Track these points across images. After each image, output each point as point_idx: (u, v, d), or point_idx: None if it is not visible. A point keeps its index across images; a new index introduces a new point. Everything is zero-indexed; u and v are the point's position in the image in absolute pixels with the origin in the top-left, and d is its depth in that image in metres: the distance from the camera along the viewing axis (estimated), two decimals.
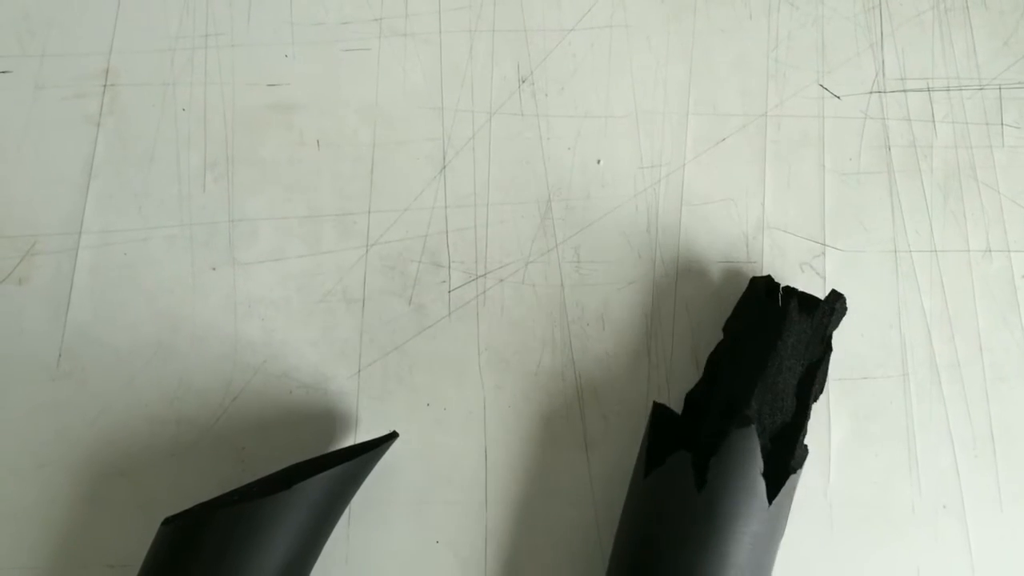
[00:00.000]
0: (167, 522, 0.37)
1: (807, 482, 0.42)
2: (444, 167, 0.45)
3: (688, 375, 0.43)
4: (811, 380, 0.40)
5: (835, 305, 0.41)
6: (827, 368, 0.41)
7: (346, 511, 0.41)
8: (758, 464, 0.36)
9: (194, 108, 0.45)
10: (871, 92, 0.46)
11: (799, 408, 0.39)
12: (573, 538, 0.42)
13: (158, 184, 0.44)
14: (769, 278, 0.42)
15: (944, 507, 0.42)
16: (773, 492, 0.36)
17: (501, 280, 0.44)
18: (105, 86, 0.45)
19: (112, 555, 0.41)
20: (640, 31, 0.47)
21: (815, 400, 0.40)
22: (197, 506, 0.38)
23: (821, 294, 0.44)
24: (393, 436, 0.40)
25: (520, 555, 0.42)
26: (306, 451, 0.41)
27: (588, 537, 0.42)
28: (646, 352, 0.43)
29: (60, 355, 0.42)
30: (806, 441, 0.39)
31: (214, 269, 0.44)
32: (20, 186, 0.44)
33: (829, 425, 0.43)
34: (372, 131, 0.45)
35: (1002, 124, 0.46)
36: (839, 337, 0.43)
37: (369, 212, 0.44)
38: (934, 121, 0.46)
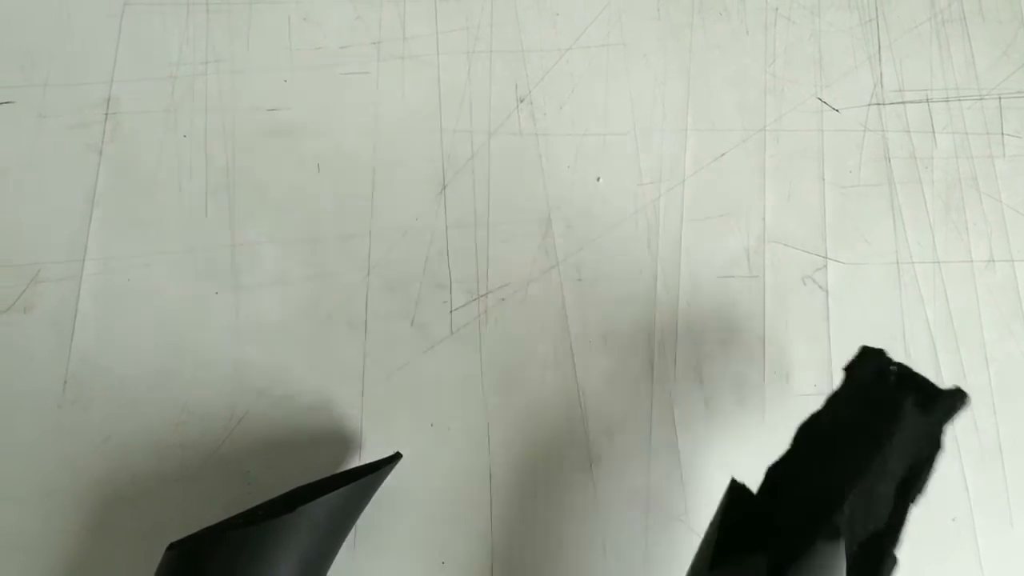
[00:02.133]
0: (172, 547, 0.37)
1: None
2: (444, 188, 0.45)
3: (692, 391, 0.43)
4: (914, 481, 0.34)
5: (956, 403, 0.35)
6: (932, 468, 0.35)
7: (351, 533, 0.41)
8: None
9: (195, 134, 0.45)
10: (870, 104, 0.46)
11: (895, 514, 0.34)
12: (580, 557, 0.42)
13: (160, 210, 0.44)
14: (881, 353, 0.36)
15: (953, 520, 0.42)
16: None
17: (503, 299, 0.44)
18: (107, 114, 0.45)
19: None
20: (637, 49, 0.47)
21: (913, 503, 0.34)
22: (202, 531, 0.38)
23: (823, 308, 0.44)
24: (397, 457, 0.40)
25: (527, 575, 0.41)
26: (311, 473, 0.41)
27: (595, 556, 0.41)
28: (649, 368, 0.43)
29: (65, 382, 0.43)
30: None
31: (217, 294, 0.44)
32: (24, 215, 0.44)
33: None
34: (372, 153, 0.45)
35: (1003, 134, 0.46)
36: (843, 349, 0.43)
37: (370, 234, 0.44)
38: (934, 132, 0.46)
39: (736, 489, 0.35)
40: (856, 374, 0.36)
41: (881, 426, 0.34)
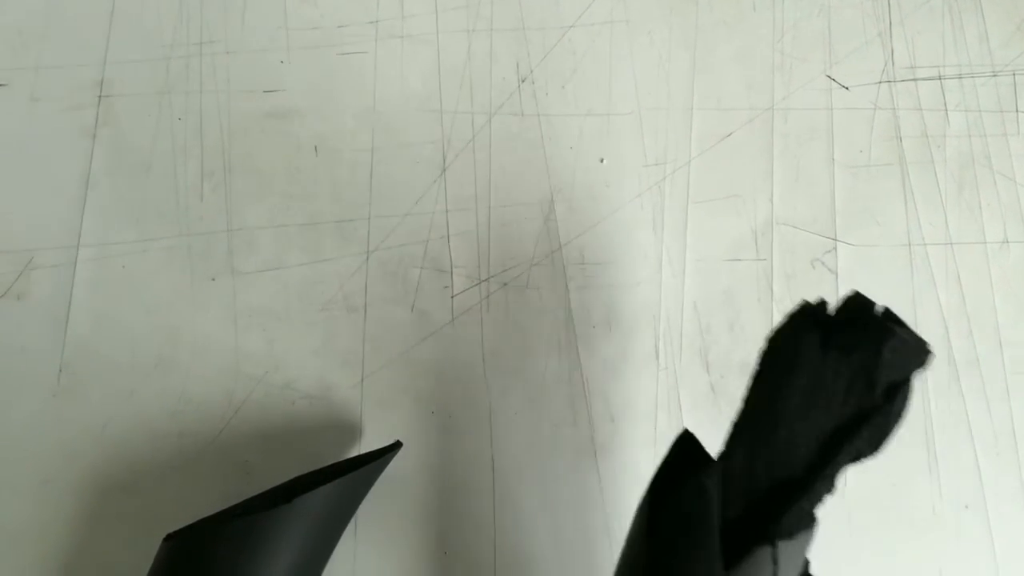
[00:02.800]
0: (169, 538, 0.36)
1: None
2: (444, 170, 0.44)
3: (698, 376, 0.42)
4: (850, 434, 0.30)
5: (882, 345, 0.30)
6: (886, 423, 0.30)
7: (352, 523, 0.40)
8: (711, 521, 0.29)
9: (190, 117, 0.44)
10: (881, 82, 0.45)
11: (816, 464, 0.30)
12: (584, 545, 0.41)
13: (155, 195, 0.44)
14: (822, 305, 0.32)
15: (966, 507, 0.41)
16: (734, 560, 0.28)
17: (505, 284, 0.43)
18: (100, 97, 0.44)
19: (116, 572, 0.40)
20: (641, 26, 0.46)
21: (855, 459, 0.30)
22: (199, 521, 0.38)
23: (833, 292, 0.43)
24: (397, 446, 0.39)
25: (530, 564, 0.41)
26: (310, 462, 0.41)
27: (599, 543, 0.41)
28: (654, 354, 0.43)
29: (60, 370, 0.42)
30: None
31: (213, 279, 0.43)
32: (17, 200, 0.43)
33: None
34: (370, 135, 0.44)
35: (1017, 111, 0.45)
36: None
37: (369, 218, 0.44)
38: (946, 110, 0.45)
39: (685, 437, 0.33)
40: (783, 325, 0.32)
41: (782, 369, 0.30)
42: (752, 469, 0.30)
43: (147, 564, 0.37)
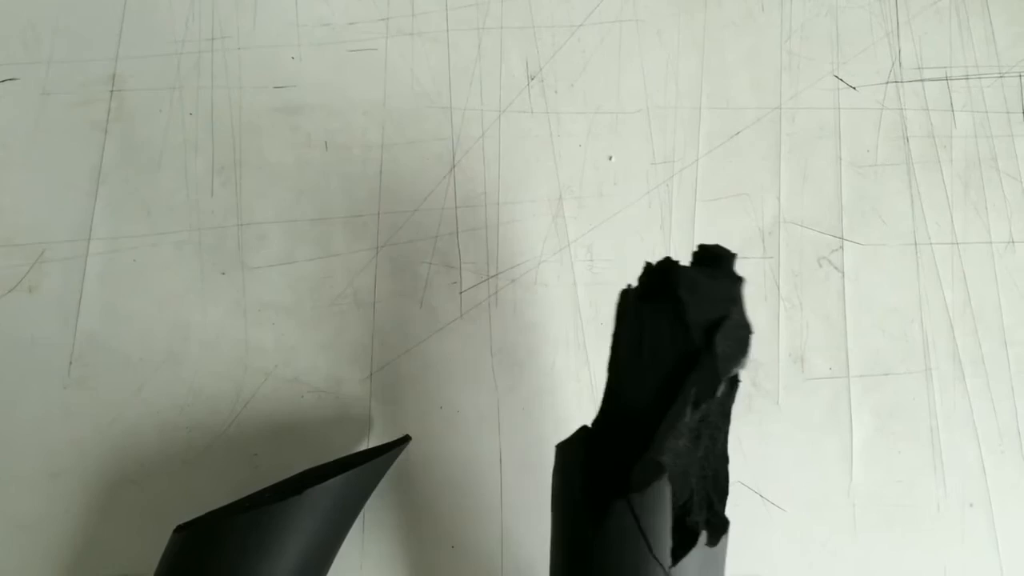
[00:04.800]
0: (179, 530, 0.37)
1: (830, 483, 0.41)
2: (453, 167, 0.44)
3: None
4: (678, 381, 0.30)
5: (678, 287, 0.31)
6: (712, 366, 0.30)
7: (360, 516, 0.40)
8: (577, 477, 0.31)
9: (201, 112, 0.45)
10: (888, 82, 0.45)
11: (655, 417, 0.30)
12: None
13: (166, 189, 0.44)
14: (667, 262, 0.32)
15: (970, 505, 0.41)
16: (600, 515, 0.29)
17: (513, 280, 0.43)
18: (112, 91, 0.45)
19: (125, 564, 0.40)
20: (650, 25, 0.46)
21: (696, 403, 0.30)
22: (209, 513, 0.38)
23: (839, 290, 0.43)
24: (406, 440, 0.40)
25: (537, 559, 0.41)
26: (318, 456, 0.41)
27: None
28: None
29: (71, 363, 0.42)
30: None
31: (223, 274, 0.43)
32: (28, 194, 0.43)
33: (851, 423, 0.42)
34: (380, 132, 0.45)
35: (1023, 112, 0.45)
36: (860, 332, 0.42)
37: (379, 214, 0.44)
38: (953, 110, 0.45)
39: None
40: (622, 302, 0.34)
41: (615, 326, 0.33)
42: (610, 425, 0.31)
43: (157, 556, 0.37)
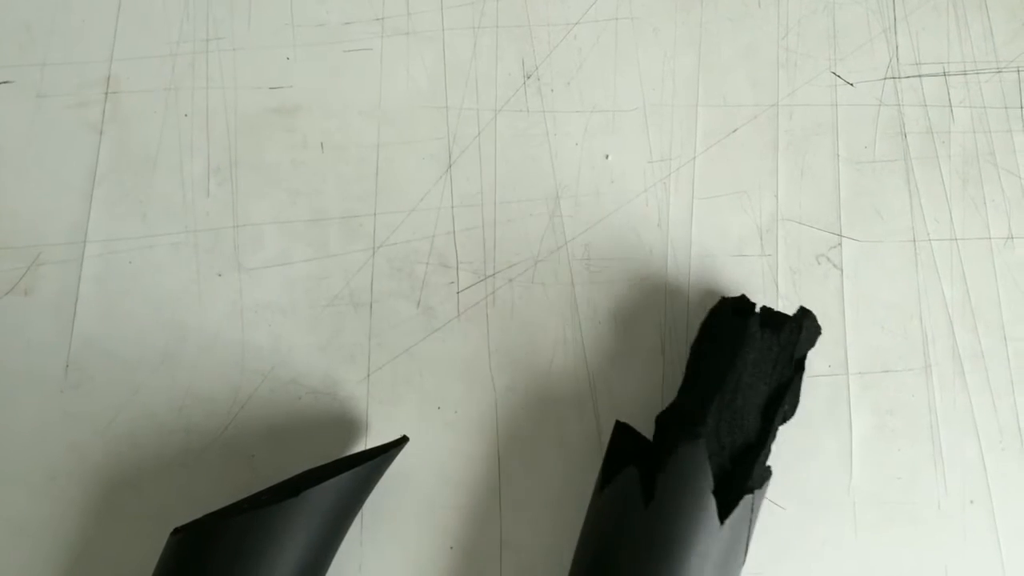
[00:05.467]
0: (176, 532, 0.37)
1: (829, 481, 0.41)
2: (450, 166, 0.44)
3: None
4: (779, 401, 0.38)
5: (803, 323, 0.39)
6: (798, 390, 0.39)
7: (358, 518, 0.40)
8: (708, 481, 0.35)
9: (196, 113, 0.44)
10: (885, 78, 0.45)
11: (763, 429, 0.38)
12: None
13: (162, 191, 0.44)
14: (741, 298, 0.40)
15: (971, 502, 0.41)
16: (726, 512, 0.35)
17: (510, 280, 0.43)
18: (107, 93, 0.45)
19: (124, 566, 0.40)
20: (646, 23, 0.46)
21: (783, 421, 0.39)
22: (206, 515, 0.38)
23: (838, 287, 0.43)
24: (403, 440, 0.39)
25: (536, 559, 0.41)
26: (316, 457, 0.41)
27: None
28: (660, 349, 0.43)
29: (67, 366, 0.42)
30: (770, 463, 0.38)
31: (220, 275, 0.43)
32: (24, 196, 0.43)
33: (850, 421, 0.42)
34: (376, 132, 0.45)
35: (1021, 107, 0.45)
36: (859, 329, 0.42)
37: (375, 214, 0.44)
38: (951, 106, 0.45)
39: (622, 428, 0.39)
40: (712, 319, 0.41)
41: (732, 348, 0.38)
42: (719, 434, 0.36)
43: (154, 558, 0.37)
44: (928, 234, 0.43)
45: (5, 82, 0.44)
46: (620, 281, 0.43)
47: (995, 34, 0.45)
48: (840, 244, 0.43)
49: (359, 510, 0.39)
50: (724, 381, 0.37)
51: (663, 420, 0.39)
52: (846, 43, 0.46)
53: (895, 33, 0.46)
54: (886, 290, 0.43)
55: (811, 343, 0.40)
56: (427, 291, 0.43)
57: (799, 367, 0.39)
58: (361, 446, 0.42)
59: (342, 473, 0.36)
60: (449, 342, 0.43)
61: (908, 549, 0.41)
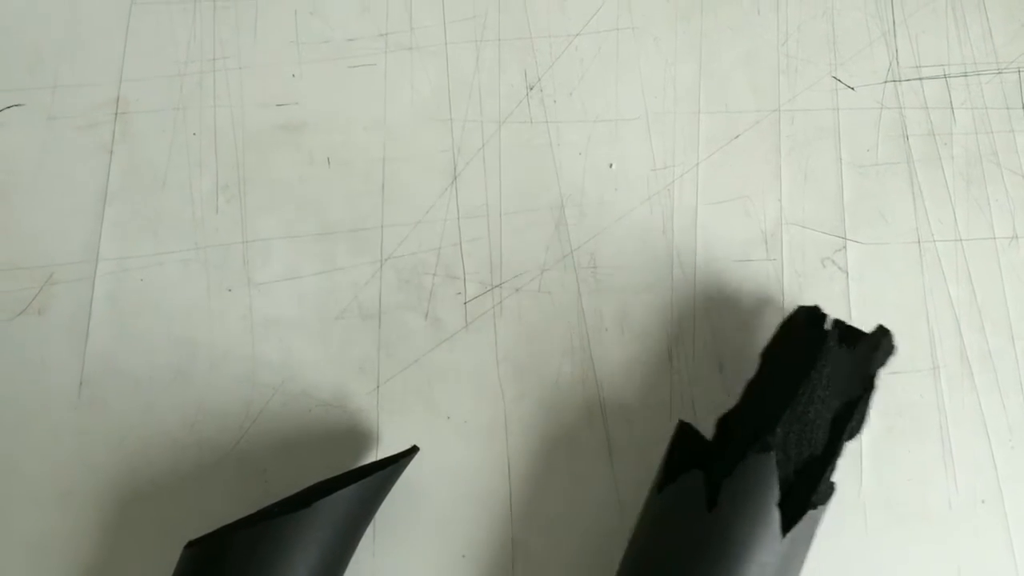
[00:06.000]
0: (190, 546, 0.37)
1: (839, 482, 0.41)
2: (455, 178, 0.45)
3: (712, 378, 0.42)
4: (847, 417, 0.38)
5: (881, 340, 0.38)
6: (867, 406, 0.38)
7: (371, 528, 0.40)
8: (774, 492, 0.35)
9: (204, 132, 0.45)
10: (886, 82, 0.45)
11: (831, 443, 0.37)
12: (602, 547, 0.41)
13: (172, 209, 0.44)
14: (816, 308, 0.40)
15: (983, 502, 0.41)
16: (788, 524, 0.35)
17: (517, 289, 0.44)
18: (116, 114, 0.45)
19: None
20: (647, 32, 0.46)
21: (850, 438, 0.38)
22: (219, 529, 0.38)
23: (844, 290, 0.43)
24: (414, 451, 0.40)
25: (548, 566, 0.41)
26: (328, 470, 0.41)
27: (618, 544, 0.41)
28: (668, 356, 0.43)
29: (81, 384, 0.43)
30: (835, 479, 0.37)
31: (230, 291, 0.44)
32: (36, 217, 0.44)
33: None
34: (382, 146, 0.45)
35: (1023, 107, 0.45)
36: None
37: (382, 227, 0.44)
38: (952, 108, 0.45)
39: (684, 428, 0.39)
40: (788, 326, 0.40)
41: (807, 359, 0.37)
42: (786, 445, 0.36)
43: (168, 572, 0.37)
44: (932, 235, 0.44)
45: (16, 105, 0.45)
46: (626, 289, 0.44)
47: (994, 35, 0.46)
48: (845, 247, 0.44)
49: (371, 521, 0.39)
50: (798, 392, 0.37)
51: (727, 422, 0.39)
52: (846, 48, 0.46)
53: (895, 36, 0.46)
54: (892, 292, 0.43)
55: (884, 361, 0.39)
56: (435, 302, 0.44)
57: (870, 385, 0.39)
58: (372, 457, 0.42)
59: (353, 484, 0.37)
60: (457, 352, 0.43)
61: (920, 550, 0.40)
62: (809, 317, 0.40)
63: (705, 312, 0.43)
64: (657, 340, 0.43)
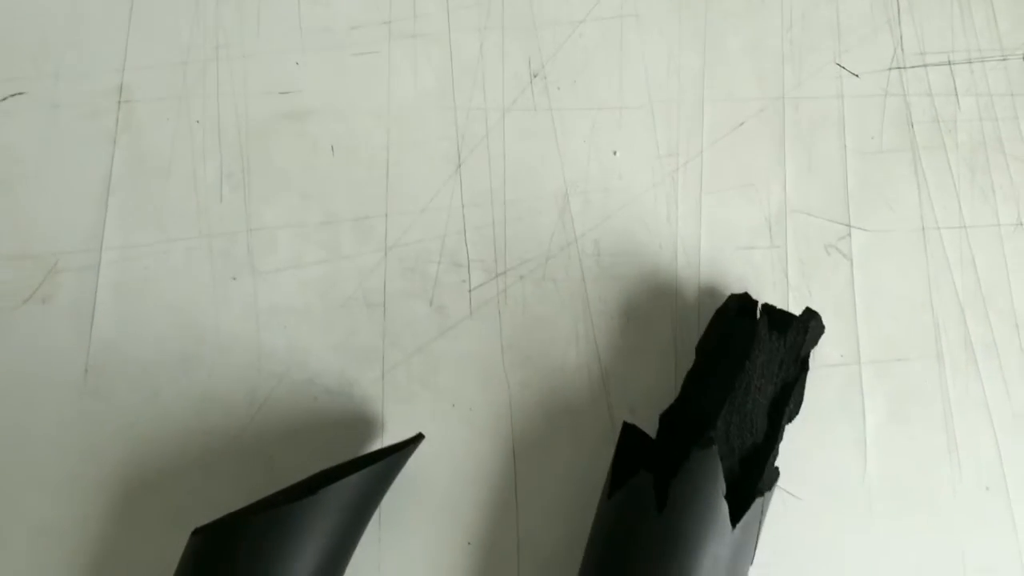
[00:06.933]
0: (196, 533, 0.37)
1: (844, 470, 0.41)
2: (459, 166, 0.45)
3: None
4: (785, 400, 0.39)
5: (809, 324, 0.39)
6: (803, 388, 0.40)
7: (376, 516, 0.40)
8: (720, 486, 0.35)
9: (208, 120, 0.45)
10: (890, 69, 0.45)
11: (771, 429, 0.38)
12: None
13: (176, 197, 0.44)
14: (745, 295, 0.41)
15: (987, 488, 0.41)
16: (738, 515, 0.35)
17: (522, 277, 0.44)
18: (120, 102, 0.45)
19: (144, 567, 0.41)
20: (651, 20, 0.46)
21: (789, 421, 0.39)
22: (226, 516, 0.38)
23: (848, 277, 0.43)
24: (419, 438, 0.40)
25: (553, 553, 0.41)
26: (333, 457, 0.41)
27: None
28: (671, 342, 0.43)
29: (86, 371, 0.43)
30: (778, 463, 0.39)
31: (234, 279, 0.44)
32: (41, 206, 0.44)
33: (864, 410, 0.42)
34: (386, 134, 0.45)
35: None
36: (870, 318, 0.42)
37: (386, 215, 0.44)
38: (957, 95, 0.45)
39: (629, 429, 0.39)
40: (721, 317, 0.41)
41: (741, 350, 0.38)
42: (728, 437, 0.37)
43: (174, 559, 0.37)
44: (937, 222, 0.44)
45: (19, 93, 0.45)
46: (631, 276, 0.44)
47: (999, 22, 0.46)
48: (849, 234, 0.44)
49: (376, 508, 0.39)
50: (734, 384, 0.38)
51: (669, 419, 0.39)
52: (850, 35, 0.46)
53: (899, 24, 0.46)
54: (896, 279, 0.43)
55: (815, 342, 0.41)
56: (439, 290, 0.44)
57: (803, 366, 0.40)
58: (377, 445, 0.42)
59: (358, 471, 0.37)
60: (462, 340, 0.43)
61: (924, 536, 0.41)
62: (740, 305, 0.41)
63: (709, 299, 0.43)
64: (662, 327, 0.43)
